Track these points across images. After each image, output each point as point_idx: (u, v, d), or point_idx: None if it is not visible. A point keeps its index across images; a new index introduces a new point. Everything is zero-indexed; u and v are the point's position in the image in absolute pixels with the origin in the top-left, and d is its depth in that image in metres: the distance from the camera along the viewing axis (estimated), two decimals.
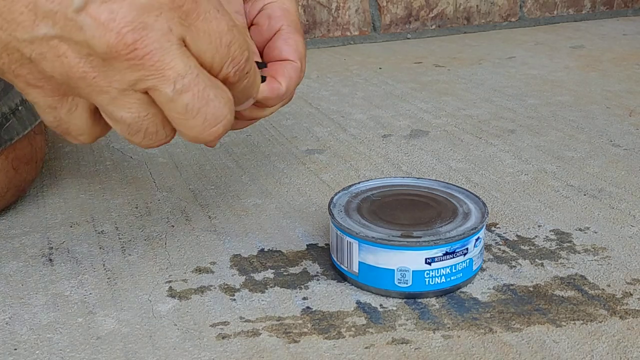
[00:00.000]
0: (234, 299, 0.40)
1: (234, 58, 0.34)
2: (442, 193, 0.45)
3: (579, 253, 0.45)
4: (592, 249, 0.45)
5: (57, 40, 0.31)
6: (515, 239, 0.47)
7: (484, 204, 0.43)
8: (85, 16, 0.30)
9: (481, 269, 0.43)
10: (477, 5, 1.12)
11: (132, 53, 0.31)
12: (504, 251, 0.45)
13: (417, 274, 0.39)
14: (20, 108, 0.50)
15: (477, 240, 0.40)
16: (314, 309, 0.39)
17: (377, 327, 0.38)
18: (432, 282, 0.39)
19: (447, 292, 0.40)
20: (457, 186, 0.46)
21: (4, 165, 0.49)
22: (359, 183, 0.46)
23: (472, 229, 0.40)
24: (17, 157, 0.50)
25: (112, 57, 0.31)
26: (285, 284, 0.42)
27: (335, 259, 0.42)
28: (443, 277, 0.40)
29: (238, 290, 0.41)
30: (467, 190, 0.45)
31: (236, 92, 0.35)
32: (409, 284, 0.40)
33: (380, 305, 0.40)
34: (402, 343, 0.36)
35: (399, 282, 0.40)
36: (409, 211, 0.43)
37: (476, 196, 0.44)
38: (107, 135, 0.69)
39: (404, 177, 0.48)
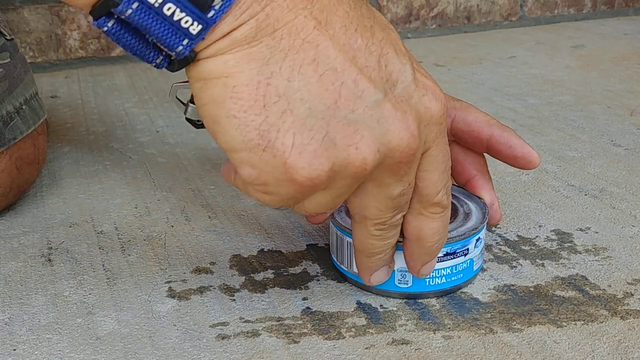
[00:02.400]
0: (234, 300, 0.40)
1: (447, 184, 0.35)
2: None
3: (580, 253, 0.45)
4: (593, 249, 0.45)
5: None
6: (516, 239, 0.47)
7: (484, 204, 0.43)
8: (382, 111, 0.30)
9: (482, 269, 0.43)
10: (477, 5, 1.12)
11: (410, 159, 0.32)
12: (504, 251, 0.45)
13: None
14: (24, 107, 0.50)
15: (477, 240, 0.40)
16: (314, 310, 0.39)
17: (377, 327, 0.37)
18: (432, 282, 0.39)
19: (447, 293, 0.40)
20: (457, 186, 0.46)
21: (8, 165, 0.49)
22: None
23: (472, 230, 0.40)
24: (21, 157, 0.50)
25: (396, 161, 0.31)
26: (285, 284, 0.42)
27: (335, 259, 0.42)
28: (444, 278, 0.39)
29: (238, 290, 0.41)
30: (467, 191, 0.45)
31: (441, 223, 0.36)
32: (409, 285, 0.39)
33: (381, 305, 0.39)
34: (402, 344, 0.36)
35: (399, 283, 0.39)
36: None
37: (477, 196, 0.44)
38: (106, 135, 0.69)
39: None
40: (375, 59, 0.30)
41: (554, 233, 0.47)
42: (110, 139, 0.67)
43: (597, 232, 0.47)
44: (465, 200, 0.43)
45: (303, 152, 0.29)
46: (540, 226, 0.48)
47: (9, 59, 0.50)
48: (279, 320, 0.38)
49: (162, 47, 0.29)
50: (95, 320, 0.38)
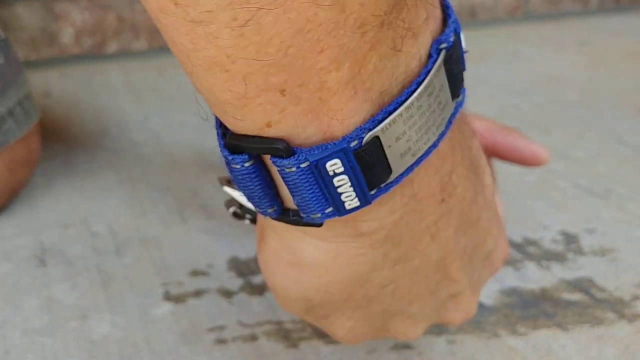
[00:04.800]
0: (232, 303, 0.39)
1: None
2: None
3: (587, 255, 0.44)
4: (600, 251, 0.44)
5: None
6: (521, 240, 0.46)
7: None
8: None
9: None
10: (481, 0, 1.11)
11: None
12: (509, 253, 0.44)
13: None
14: (17, 109, 0.50)
15: None
16: None
17: None
18: None
19: None
20: None
21: (0, 168, 0.48)
22: None
23: None
24: (13, 159, 0.50)
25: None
26: None
27: None
28: None
29: (236, 293, 0.40)
30: None
31: None
32: None
33: None
34: (404, 348, 0.35)
35: None
36: None
37: None
38: (101, 134, 0.68)
39: None
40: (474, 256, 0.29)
41: (560, 234, 0.47)
42: (105, 138, 0.67)
43: (604, 234, 0.47)
44: None
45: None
46: (545, 227, 0.48)
47: (3, 60, 0.49)
48: (277, 324, 0.37)
49: (288, 203, 0.24)
50: (89, 323, 0.38)
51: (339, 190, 0.22)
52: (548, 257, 0.44)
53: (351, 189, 0.22)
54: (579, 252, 0.44)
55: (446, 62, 0.23)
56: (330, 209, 0.23)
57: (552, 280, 0.41)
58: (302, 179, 0.22)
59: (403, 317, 0.29)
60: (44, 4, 0.90)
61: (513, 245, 0.45)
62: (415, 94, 0.22)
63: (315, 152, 0.21)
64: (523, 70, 0.88)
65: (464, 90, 0.25)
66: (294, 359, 0.35)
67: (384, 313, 0.28)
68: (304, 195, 0.22)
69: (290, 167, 0.22)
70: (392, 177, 0.23)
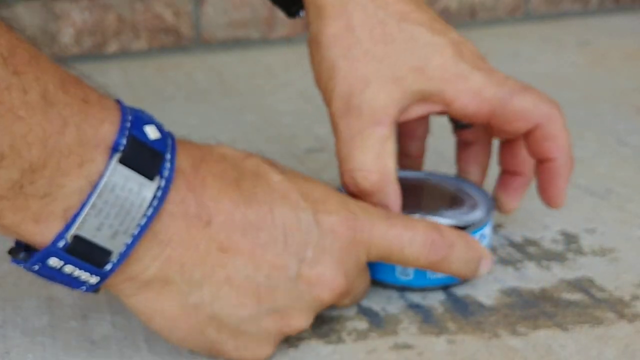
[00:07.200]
0: None
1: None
2: (454, 187, 0.44)
3: (587, 255, 0.44)
4: (600, 251, 0.44)
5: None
6: (521, 240, 0.46)
7: (491, 199, 0.42)
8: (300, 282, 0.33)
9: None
10: (481, 0, 1.11)
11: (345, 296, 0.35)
12: (509, 253, 0.44)
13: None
14: None
15: (481, 237, 0.40)
16: None
17: (379, 331, 0.37)
18: (433, 275, 0.39)
19: (447, 287, 0.40)
20: (465, 180, 0.45)
21: None
22: None
23: (472, 225, 0.39)
24: None
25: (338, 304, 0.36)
26: None
27: None
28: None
29: None
30: (483, 191, 0.44)
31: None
32: (410, 277, 0.39)
33: (383, 309, 0.39)
34: (404, 348, 0.35)
35: (400, 275, 0.39)
36: (426, 200, 0.43)
37: (490, 197, 0.43)
38: None
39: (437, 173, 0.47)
40: (281, 239, 0.33)
41: (560, 234, 0.47)
42: None
43: (604, 233, 0.46)
44: (476, 198, 0.43)
45: (247, 349, 0.34)
46: (545, 227, 0.47)
47: None
48: None
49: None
50: (90, 323, 0.38)
51: (75, 275, 0.30)
52: (548, 257, 0.44)
53: (82, 271, 0.30)
54: (579, 252, 0.44)
55: (126, 161, 0.29)
56: (85, 287, 0.31)
57: (552, 280, 0.41)
58: (47, 272, 0.30)
59: (271, 316, 0.33)
60: (44, 4, 0.90)
61: (513, 245, 0.45)
62: (92, 199, 0.28)
63: (37, 256, 0.29)
64: (523, 70, 0.87)
65: (165, 167, 0.30)
66: (294, 359, 0.35)
67: (248, 323, 0.33)
68: (60, 280, 0.31)
69: (34, 267, 0.30)
70: (116, 252, 0.30)
